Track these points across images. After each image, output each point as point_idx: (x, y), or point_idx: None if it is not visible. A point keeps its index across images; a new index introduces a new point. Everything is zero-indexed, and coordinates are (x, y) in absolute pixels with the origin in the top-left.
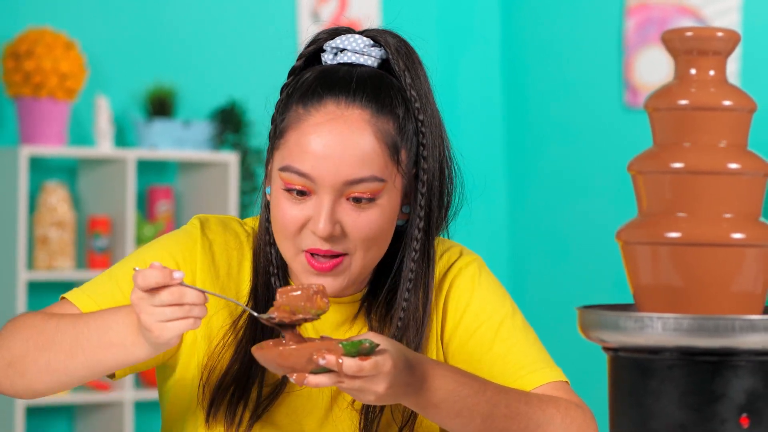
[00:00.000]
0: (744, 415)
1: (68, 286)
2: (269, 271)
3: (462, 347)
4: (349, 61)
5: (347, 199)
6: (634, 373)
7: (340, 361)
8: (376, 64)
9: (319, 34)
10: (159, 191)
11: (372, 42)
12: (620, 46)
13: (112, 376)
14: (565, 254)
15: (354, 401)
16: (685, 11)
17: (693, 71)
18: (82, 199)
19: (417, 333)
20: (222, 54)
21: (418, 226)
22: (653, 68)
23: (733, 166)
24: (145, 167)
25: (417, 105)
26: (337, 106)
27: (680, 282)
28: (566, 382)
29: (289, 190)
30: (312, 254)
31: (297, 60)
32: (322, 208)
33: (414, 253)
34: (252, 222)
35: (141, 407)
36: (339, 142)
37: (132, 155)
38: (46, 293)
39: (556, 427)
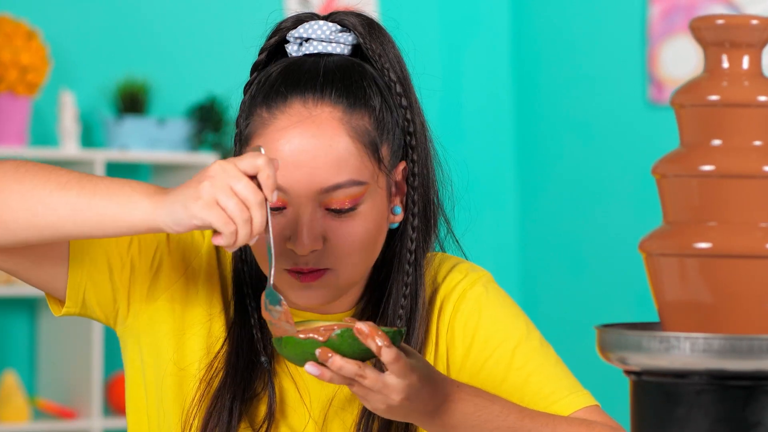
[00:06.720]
0: None
1: (29, 300)
2: (242, 290)
3: (473, 380)
4: (315, 51)
5: (326, 209)
6: (659, 399)
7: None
8: (346, 51)
9: (280, 23)
10: None
11: (339, 27)
12: (644, 36)
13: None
14: (582, 267)
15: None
16: None
17: (725, 64)
18: None
19: (416, 344)
20: (201, 45)
21: (412, 225)
22: (680, 60)
23: None
24: (115, 170)
25: (399, 90)
26: (305, 105)
27: (710, 298)
28: (596, 405)
29: None
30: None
31: (259, 54)
32: (301, 224)
33: (410, 255)
34: None
35: None
36: (310, 146)
37: (100, 157)
38: (3, 308)
39: None
